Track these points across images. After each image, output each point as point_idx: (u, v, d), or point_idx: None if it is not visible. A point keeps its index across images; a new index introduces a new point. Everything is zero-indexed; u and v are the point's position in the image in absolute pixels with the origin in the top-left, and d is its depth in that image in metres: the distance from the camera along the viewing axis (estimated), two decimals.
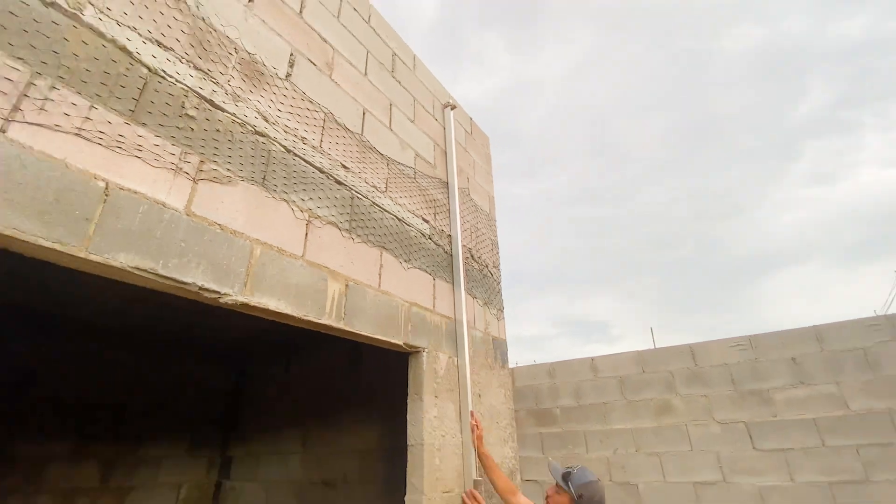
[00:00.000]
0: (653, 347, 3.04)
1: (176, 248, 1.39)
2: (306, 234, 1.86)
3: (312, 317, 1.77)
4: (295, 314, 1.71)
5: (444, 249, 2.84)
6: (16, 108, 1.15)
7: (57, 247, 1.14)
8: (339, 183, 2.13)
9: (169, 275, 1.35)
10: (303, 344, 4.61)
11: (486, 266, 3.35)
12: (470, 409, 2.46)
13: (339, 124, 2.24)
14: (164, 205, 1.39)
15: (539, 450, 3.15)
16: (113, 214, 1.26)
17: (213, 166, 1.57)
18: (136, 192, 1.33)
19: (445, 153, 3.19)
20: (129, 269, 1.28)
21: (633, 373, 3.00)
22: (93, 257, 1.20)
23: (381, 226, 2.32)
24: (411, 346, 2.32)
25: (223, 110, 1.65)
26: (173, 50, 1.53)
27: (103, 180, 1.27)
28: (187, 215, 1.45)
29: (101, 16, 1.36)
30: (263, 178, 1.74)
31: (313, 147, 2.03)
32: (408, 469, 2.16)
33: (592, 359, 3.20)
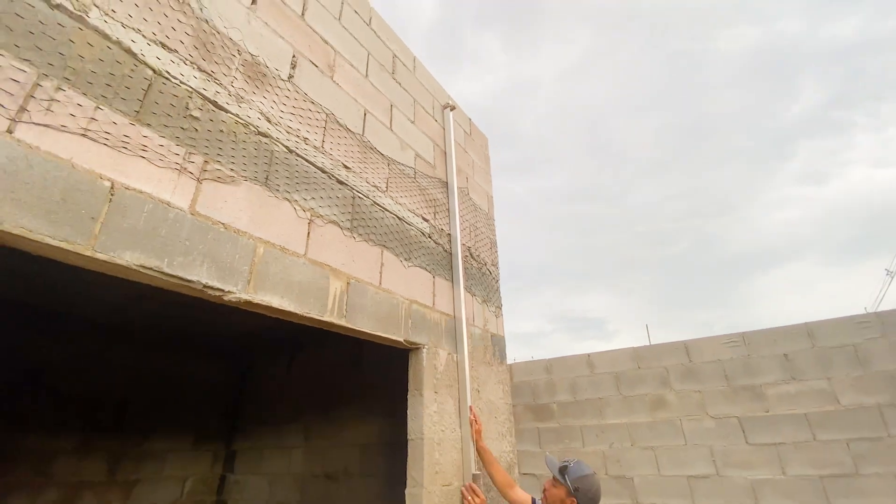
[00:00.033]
0: (648, 344, 3.08)
1: (181, 246, 1.41)
2: (308, 233, 1.89)
3: (315, 314, 1.80)
4: (298, 311, 1.73)
5: (443, 248, 2.87)
6: (22, 109, 1.17)
7: (63, 245, 1.17)
8: (341, 183, 2.15)
9: (174, 273, 1.38)
10: (305, 340, 4.65)
11: (485, 264, 3.39)
12: (469, 404, 2.50)
13: (340, 125, 2.26)
14: (168, 204, 1.41)
15: (536, 444, 3.19)
16: (118, 213, 1.29)
17: (217, 166, 1.59)
18: (141, 192, 1.35)
19: (445, 153, 3.22)
20: (135, 268, 1.30)
21: (629, 369, 3.05)
22: (99, 256, 1.23)
23: (381, 225, 2.35)
24: (411, 343, 2.35)
25: (227, 111, 1.67)
26: (177, 51, 1.55)
27: (109, 180, 1.29)
28: (192, 214, 1.47)
29: (106, 18, 1.38)
30: (266, 178, 1.77)
31: (315, 147, 2.05)
32: (408, 462, 2.20)
33: (588, 355, 3.24)
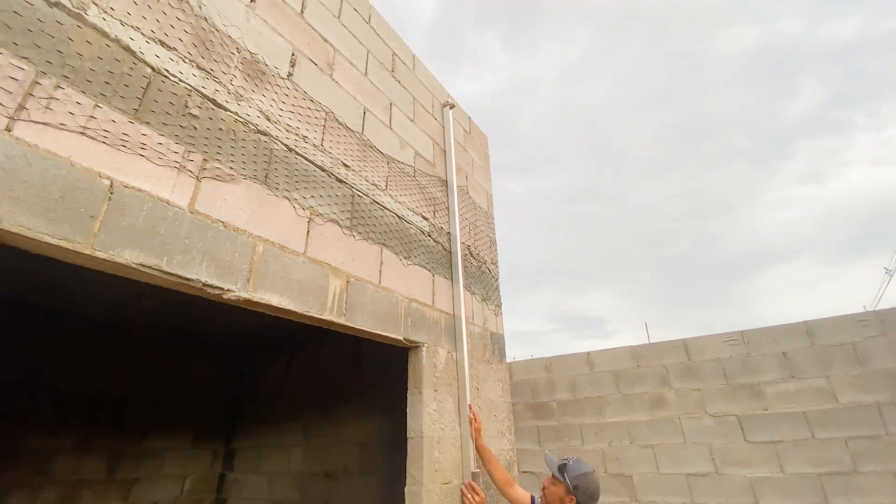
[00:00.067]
0: (647, 342, 3.09)
1: (180, 244, 1.41)
2: (308, 232, 1.89)
3: (314, 312, 1.80)
4: (297, 310, 1.73)
5: (443, 246, 2.87)
6: (21, 107, 1.17)
7: (63, 244, 1.16)
8: (340, 181, 2.15)
9: (173, 271, 1.38)
10: (305, 339, 4.65)
11: (485, 263, 3.39)
12: (468, 402, 2.50)
13: (339, 123, 2.26)
14: (168, 202, 1.41)
15: (536, 442, 3.20)
16: (118, 212, 1.29)
17: (216, 164, 1.59)
18: (140, 190, 1.35)
19: (444, 152, 3.21)
20: (134, 266, 1.30)
21: (628, 367, 3.05)
22: (98, 254, 1.23)
23: (381, 223, 2.35)
24: (411, 341, 2.36)
25: (226, 109, 1.67)
26: (176, 49, 1.55)
27: (108, 178, 1.29)
28: (191, 213, 1.47)
29: (105, 16, 1.38)
30: (266, 177, 1.77)
31: (315, 146, 2.05)
32: (408, 461, 2.20)
33: (588, 353, 3.24)
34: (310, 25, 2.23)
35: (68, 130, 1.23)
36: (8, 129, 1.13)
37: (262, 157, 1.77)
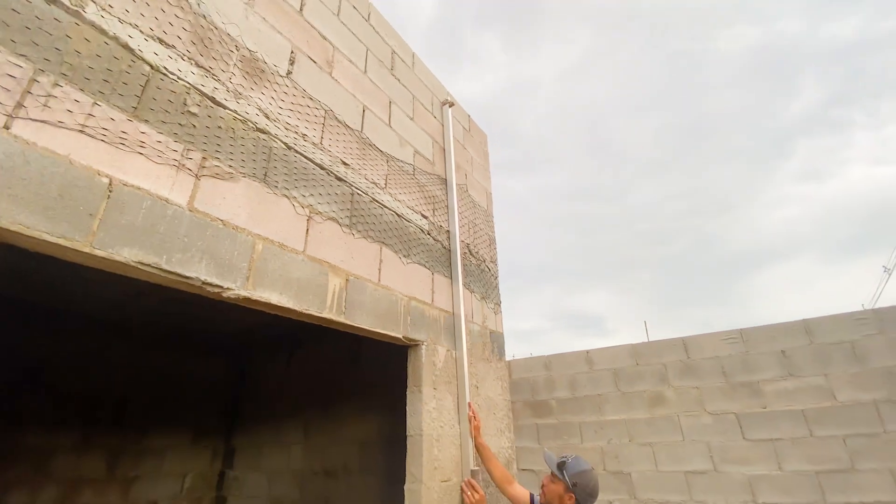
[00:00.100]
0: (646, 341, 3.09)
1: (179, 243, 1.41)
2: (307, 230, 1.89)
3: (314, 311, 1.80)
4: (296, 308, 1.74)
5: (442, 245, 2.87)
6: (19, 105, 1.17)
7: (61, 242, 1.16)
8: (340, 179, 2.15)
9: (172, 269, 1.38)
10: (304, 337, 4.66)
11: (484, 261, 3.39)
12: (468, 400, 2.51)
13: (339, 121, 2.25)
14: (167, 201, 1.41)
15: (535, 440, 3.21)
16: (117, 210, 1.28)
17: (216, 163, 1.59)
18: (139, 189, 1.35)
19: (444, 150, 3.21)
20: (133, 264, 1.30)
21: (627, 365, 3.06)
22: (97, 252, 1.23)
23: (380, 221, 2.35)
24: (410, 340, 2.36)
25: (225, 107, 1.67)
26: (175, 47, 1.55)
27: (107, 176, 1.29)
28: (190, 211, 1.47)
29: (103, 13, 1.37)
30: (265, 175, 1.76)
31: (314, 144, 2.05)
32: (407, 458, 2.21)
33: (587, 352, 3.25)
34: (309, 23, 2.23)
35: (67, 128, 1.23)
36: (6, 127, 1.13)
37: (261, 156, 1.77)
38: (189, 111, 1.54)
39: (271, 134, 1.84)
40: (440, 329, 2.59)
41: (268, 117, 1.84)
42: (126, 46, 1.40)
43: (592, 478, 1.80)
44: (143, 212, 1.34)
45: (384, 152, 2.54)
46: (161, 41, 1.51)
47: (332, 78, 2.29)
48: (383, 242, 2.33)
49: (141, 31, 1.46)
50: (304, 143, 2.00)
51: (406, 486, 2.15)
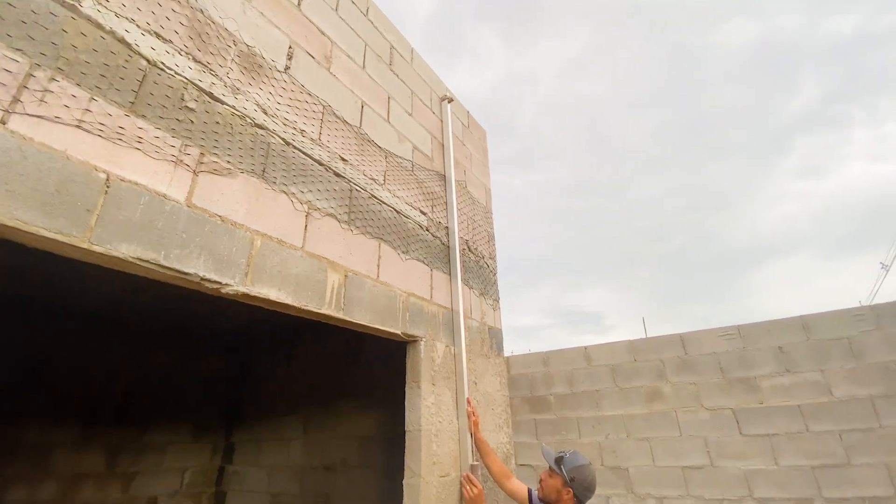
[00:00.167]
0: (644, 337, 3.10)
1: (177, 239, 1.41)
2: (306, 226, 1.89)
3: (312, 307, 1.81)
4: (295, 304, 1.74)
5: (441, 241, 2.87)
6: (15, 100, 1.16)
7: (59, 237, 1.16)
8: (338, 175, 2.14)
9: (171, 265, 1.38)
10: (304, 333, 4.66)
11: (483, 257, 3.39)
12: (466, 396, 2.51)
13: (337, 117, 2.25)
14: (165, 196, 1.41)
15: (533, 435, 3.22)
16: (114, 206, 1.28)
17: (214, 158, 1.58)
18: (137, 184, 1.35)
19: (443, 146, 3.20)
20: (131, 260, 1.30)
21: (625, 361, 3.07)
22: (95, 248, 1.22)
23: (379, 218, 2.35)
24: (409, 336, 2.36)
25: (223, 103, 1.66)
26: (172, 42, 1.54)
27: (104, 172, 1.28)
28: (188, 207, 1.47)
29: (99, 7, 1.36)
30: (263, 171, 1.76)
31: (312, 140, 2.04)
32: (406, 453, 2.22)
33: (586, 348, 3.26)
34: (307, 18, 2.21)
35: (64, 123, 1.23)
36: (3, 122, 1.12)
37: (259, 151, 1.76)
38: (187, 106, 1.54)
39: (269, 129, 1.83)
40: (439, 325, 2.59)
41: (266, 113, 1.83)
42: (123, 41, 1.40)
43: (590, 472, 1.81)
44: (140, 207, 1.34)
45: (383, 148, 2.54)
46: (158, 36, 1.50)
47: (331, 73, 2.28)
48: (382, 239, 2.33)
49: (138, 25, 1.45)
50: (303, 139, 1.99)
51: (405, 481, 2.16)
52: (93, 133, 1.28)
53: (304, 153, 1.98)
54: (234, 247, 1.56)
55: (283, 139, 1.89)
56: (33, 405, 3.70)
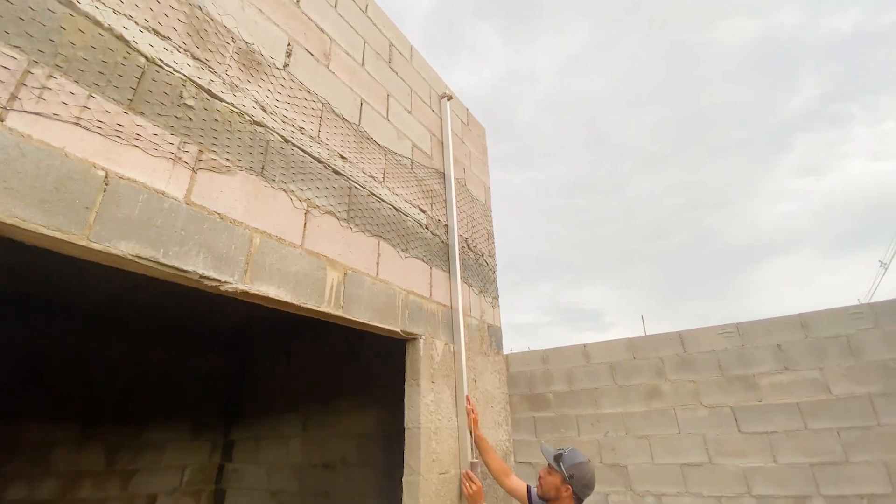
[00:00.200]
0: (643, 335, 3.10)
1: (176, 236, 1.41)
2: (305, 224, 1.88)
3: (311, 304, 1.81)
4: (294, 302, 1.74)
5: (440, 239, 2.87)
6: (13, 97, 1.16)
7: (58, 235, 1.16)
8: (337, 173, 2.14)
9: (170, 263, 1.38)
10: (303, 331, 4.67)
11: (482, 255, 3.39)
12: (465, 393, 2.52)
13: (336, 115, 2.24)
14: (163, 194, 1.41)
15: (532, 433, 3.23)
16: (113, 203, 1.28)
17: (212, 156, 1.58)
18: (135, 181, 1.34)
19: (442, 144, 3.20)
20: (130, 258, 1.30)
21: (624, 359, 3.07)
22: (94, 245, 1.22)
23: (378, 215, 2.34)
24: (408, 333, 2.37)
25: (221, 100, 1.66)
26: (170, 39, 1.53)
27: (103, 169, 1.28)
28: (187, 204, 1.46)
29: (97, 4, 1.36)
30: (262, 168, 1.76)
31: (311, 137, 2.04)
32: (405, 451, 2.22)
33: (585, 345, 3.26)
34: (306, 15, 2.21)
35: (62, 121, 1.22)
36: (1, 120, 1.12)
37: (258, 149, 1.76)
38: (185, 104, 1.53)
39: (268, 127, 1.83)
40: (438, 323, 2.60)
41: (265, 110, 1.83)
42: (121, 38, 1.39)
43: (589, 470, 1.81)
44: (139, 205, 1.33)
45: (382, 146, 2.53)
46: (156, 33, 1.50)
47: (330, 70, 2.28)
48: (381, 236, 2.33)
49: (136, 22, 1.44)
50: (302, 137, 1.99)
51: (404, 479, 2.17)
52: (91, 130, 1.28)
53: (303, 151, 1.97)
54: (233, 244, 1.56)
55: (282, 137, 1.88)
56: (33, 403, 3.71)
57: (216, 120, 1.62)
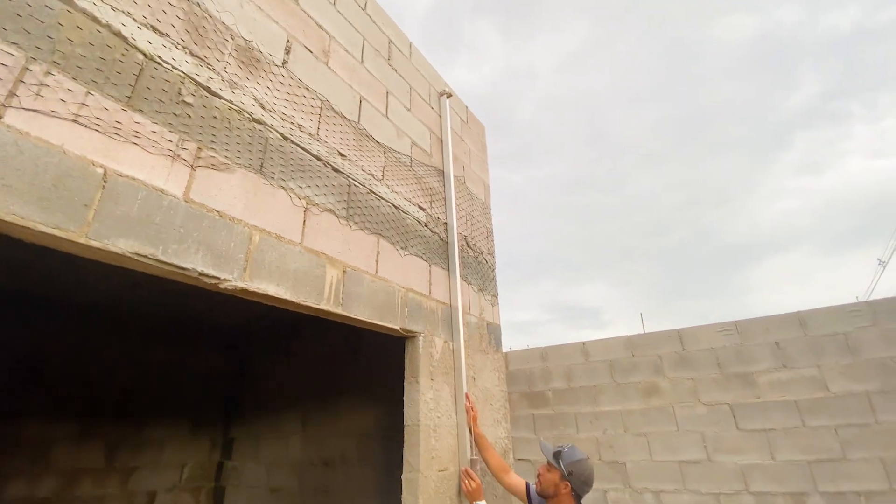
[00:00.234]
0: (642, 332, 3.11)
1: (175, 234, 1.41)
2: (304, 221, 1.88)
3: (311, 302, 1.81)
4: (294, 300, 1.74)
5: (439, 237, 2.87)
6: (11, 94, 1.15)
7: (56, 232, 1.16)
8: (337, 171, 2.14)
9: (169, 260, 1.38)
10: (303, 329, 4.67)
11: (481, 253, 3.39)
12: (465, 391, 2.52)
13: (335, 112, 2.24)
14: (162, 191, 1.40)
15: (531, 430, 3.24)
16: (112, 200, 1.28)
17: (211, 153, 1.58)
18: (134, 179, 1.34)
19: (441, 141, 3.19)
20: (129, 255, 1.30)
21: (623, 357, 3.08)
22: (93, 243, 1.22)
23: (377, 213, 2.34)
24: (407, 331, 2.37)
25: (220, 97, 1.65)
26: (169, 36, 1.53)
27: (101, 166, 1.28)
28: (186, 202, 1.46)
29: (95, 0, 1.35)
30: (261, 166, 1.75)
31: (310, 135, 2.04)
32: (404, 448, 2.23)
33: (584, 343, 3.27)
34: (305, 12, 2.20)
35: (60, 118, 1.22)
36: None
37: (257, 146, 1.76)
38: (184, 101, 1.53)
39: (267, 124, 1.82)
40: (437, 321, 2.60)
41: (263, 107, 1.83)
42: (119, 34, 1.39)
43: (588, 467, 1.82)
44: (138, 202, 1.33)
45: (381, 143, 2.53)
46: (155, 29, 1.49)
47: (329, 68, 2.27)
48: (380, 234, 2.33)
49: (134, 18, 1.44)
50: (301, 134, 1.98)
51: (403, 476, 2.17)
52: (89, 127, 1.27)
53: (302, 148, 1.97)
54: (232, 242, 1.56)
55: (281, 134, 1.88)
56: (32, 402, 3.71)
57: (215, 117, 1.62)
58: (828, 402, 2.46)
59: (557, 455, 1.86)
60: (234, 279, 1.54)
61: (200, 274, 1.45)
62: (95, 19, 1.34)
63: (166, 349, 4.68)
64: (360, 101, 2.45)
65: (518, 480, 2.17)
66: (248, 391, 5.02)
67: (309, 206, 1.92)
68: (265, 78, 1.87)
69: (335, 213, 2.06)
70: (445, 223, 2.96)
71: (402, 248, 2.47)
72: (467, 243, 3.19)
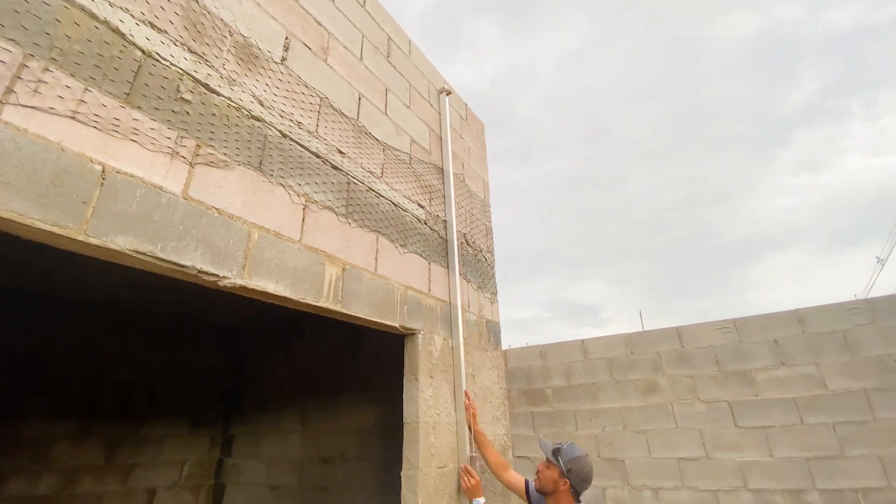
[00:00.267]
0: (641, 330, 3.12)
1: (174, 231, 1.40)
2: (303, 219, 1.88)
3: (310, 300, 1.81)
4: (293, 297, 1.74)
5: (439, 234, 2.86)
6: (9, 91, 1.15)
7: (55, 229, 1.16)
8: (336, 168, 2.14)
9: (167, 258, 1.37)
10: (302, 326, 4.67)
11: (481, 251, 3.39)
12: (464, 388, 2.53)
13: (334, 109, 2.23)
14: (161, 188, 1.40)
15: (530, 428, 3.25)
16: (110, 198, 1.28)
17: (210, 150, 1.57)
18: (132, 176, 1.34)
19: (441, 139, 3.19)
20: (128, 252, 1.30)
21: (622, 354, 3.09)
22: (91, 240, 1.22)
23: (377, 211, 2.34)
24: (407, 329, 2.37)
25: (219, 94, 1.65)
26: (167, 32, 1.52)
27: (100, 164, 1.27)
28: (185, 199, 1.46)
29: None
30: (260, 163, 1.75)
31: (309, 132, 2.03)
32: (404, 445, 2.23)
33: (583, 341, 3.27)
34: (303, 9, 2.19)
35: (58, 115, 1.22)
36: None
37: (256, 144, 1.75)
38: (182, 98, 1.52)
39: (266, 122, 1.82)
40: (437, 318, 2.60)
41: (262, 105, 1.82)
42: (117, 31, 1.38)
43: (587, 464, 1.82)
44: (137, 200, 1.33)
45: (380, 141, 2.53)
46: (153, 26, 1.48)
47: (328, 65, 2.27)
48: (380, 232, 2.33)
49: (132, 15, 1.43)
50: (300, 132, 1.98)
51: (403, 473, 2.18)
52: (88, 124, 1.27)
53: (301, 145, 1.97)
54: (231, 239, 1.56)
55: (279, 131, 1.88)
56: (32, 400, 3.71)
57: (213, 114, 1.62)
58: (826, 400, 2.47)
59: (556, 452, 1.86)
60: (233, 276, 1.54)
61: (199, 271, 1.45)
62: (93, 15, 1.33)
63: (166, 347, 4.68)
64: (360, 99, 2.44)
65: (517, 477, 2.18)
66: (247, 389, 5.02)
67: (308, 204, 1.92)
68: (264, 75, 1.86)
69: (334, 211, 2.06)
70: (445, 221, 2.96)
71: (401, 245, 2.47)
72: (466, 241, 3.19)
